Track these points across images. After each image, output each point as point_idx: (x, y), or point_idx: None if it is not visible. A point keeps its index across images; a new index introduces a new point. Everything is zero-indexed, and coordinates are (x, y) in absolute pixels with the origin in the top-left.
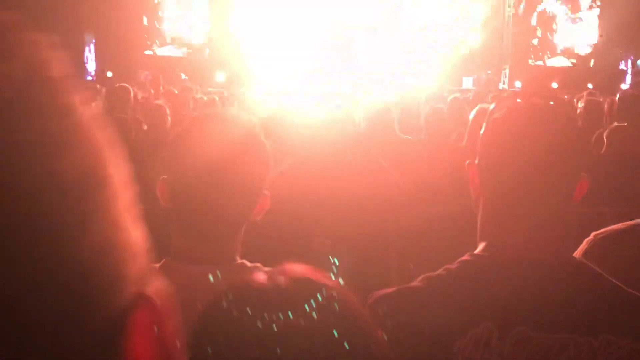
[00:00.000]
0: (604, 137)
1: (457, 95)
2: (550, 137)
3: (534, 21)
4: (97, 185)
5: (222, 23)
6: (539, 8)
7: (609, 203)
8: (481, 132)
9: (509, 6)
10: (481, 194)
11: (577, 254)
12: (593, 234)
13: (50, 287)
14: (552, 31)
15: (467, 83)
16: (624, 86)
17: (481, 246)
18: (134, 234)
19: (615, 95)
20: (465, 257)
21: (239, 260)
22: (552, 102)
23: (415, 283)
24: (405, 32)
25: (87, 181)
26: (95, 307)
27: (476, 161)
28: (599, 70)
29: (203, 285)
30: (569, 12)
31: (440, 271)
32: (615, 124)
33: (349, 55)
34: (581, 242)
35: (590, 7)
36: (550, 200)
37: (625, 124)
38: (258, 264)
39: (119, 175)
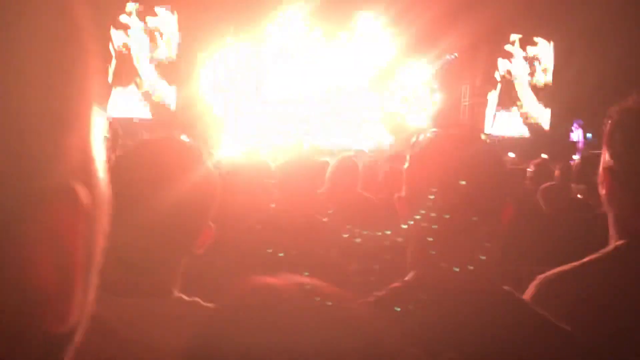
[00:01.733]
0: (539, 198)
1: None
2: (469, 161)
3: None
4: None
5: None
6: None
7: (548, 263)
8: (405, 166)
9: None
10: (409, 224)
11: (526, 297)
12: (539, 277)
13: None
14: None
15: None
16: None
17: (411, 274)
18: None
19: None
20: (396, 284)
21: (176, 294)
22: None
23: None
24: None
25: None
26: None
27: (402, 194)
28: (555, 141)
29: (137, 318)
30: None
31: (369, 298)
32: (546, 184)
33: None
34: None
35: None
36: (476, 227)
37: (553, 183)
38: (197, 299)
39: None
